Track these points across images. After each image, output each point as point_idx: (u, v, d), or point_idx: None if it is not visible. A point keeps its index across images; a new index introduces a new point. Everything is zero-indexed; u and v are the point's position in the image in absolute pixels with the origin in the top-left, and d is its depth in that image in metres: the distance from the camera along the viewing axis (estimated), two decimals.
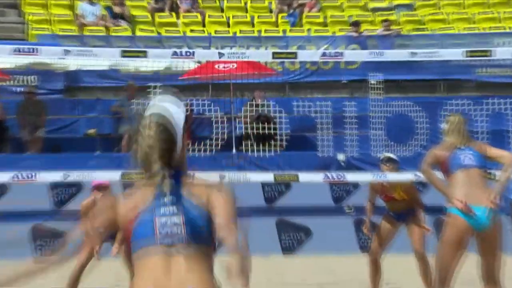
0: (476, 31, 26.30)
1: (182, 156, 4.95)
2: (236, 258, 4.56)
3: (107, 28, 26.06)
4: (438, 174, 9.44)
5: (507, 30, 26.41)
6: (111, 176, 14.75)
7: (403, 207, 13.38)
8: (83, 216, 13.17)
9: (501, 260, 9.15)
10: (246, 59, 20.36)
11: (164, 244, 4.80)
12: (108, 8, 26.62)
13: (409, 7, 27.91)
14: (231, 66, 22.18)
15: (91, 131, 22.59)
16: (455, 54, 18.81)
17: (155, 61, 19.58)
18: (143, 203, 4.89)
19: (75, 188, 19.12)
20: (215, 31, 25.90)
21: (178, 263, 4.78)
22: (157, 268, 4.78)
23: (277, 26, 26.45)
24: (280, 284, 16.54)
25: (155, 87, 18.55)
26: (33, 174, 15.29)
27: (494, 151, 9.44)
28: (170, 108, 5.03)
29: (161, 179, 4.86)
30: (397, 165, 14.80)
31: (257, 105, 22.69)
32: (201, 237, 4.82)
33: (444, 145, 9.48)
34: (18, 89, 22.92)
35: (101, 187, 13.96)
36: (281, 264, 19.07)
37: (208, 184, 4.96)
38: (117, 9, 26.31)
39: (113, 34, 25.73)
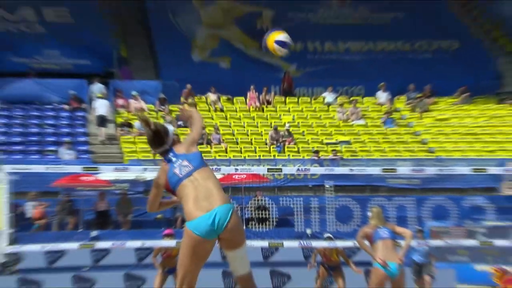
0: (385, 157, 25.75)
1: (174, 143, 5.39)
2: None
3: None
4: (367, 243, 8.96)
5: (406, 157, 25.74)
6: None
7: (334, 264, 13.54)
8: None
9: None
10: (251, 172, 20.17)
11: (184, 177, 5.10)
12: None
13: (348, 142, 27.41)
14: (242, 177, 21.64)
15: (159, 216, 22.16)
16: (375, 170, 18.18)
17: None
18: (165, 169, 5.28)
19: (149, 250, 18.34)
20: (233, 156, 25.50)
21: (197, 179, 5.03)
22: (190, 187, 5.02)
23: (269, 152, 26.00)
24: None
25: None
26: (124, 242, 15.10)
27: (399, 229, 9.08)
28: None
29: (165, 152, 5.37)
30: (333, 239, 14.88)
31: (258, 200, 22.14)
32: (197, 164, 5.15)
33: (369, 226, 9.04)
34: (117, 191, 22.49)
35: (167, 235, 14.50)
36: None
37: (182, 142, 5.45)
38: None
39: None
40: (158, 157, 6.15)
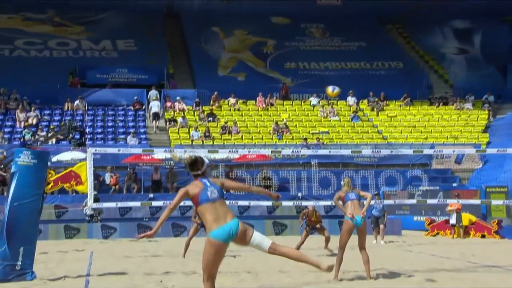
0: (353, 143, 25.15)
1: (205, 172, 5.13)
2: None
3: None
4: (340, 203, 8.49)
5: (368, 142, 24.91)
6: None
7: (314, 223, 12.60)
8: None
9: (366, 238, 8.31)
10: (259, 153, 20.16)
11: (211, 200, 4.90)
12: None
13: (327, 132, 26.75)
14: (253, 156, 21.50)
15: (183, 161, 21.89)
16: (346, 152, 17.57)
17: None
18: (199, 187, 5.00)
19: (189, 207, 18.21)
20: (246, 142, 24.98)
21: (217, 204, 4.86)
22: (212, 208, 4.84)
23: (272, 139, 25.45)
24: None
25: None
26: (171, 202, 14.73)
27: (363, 193, 8.47)
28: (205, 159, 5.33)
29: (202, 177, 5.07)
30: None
31: (264, 173, 21.74)
32: (221, 195, 4.95)
33: (342, 191, 8.45)
34: (166, 167, 21.96)
35: None
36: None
37: (217, 178, 5.15)
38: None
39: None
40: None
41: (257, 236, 4.89)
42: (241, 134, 25.89)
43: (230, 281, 7.91)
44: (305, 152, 18.36)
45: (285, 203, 16.26)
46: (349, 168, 22.21)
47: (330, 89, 12.35)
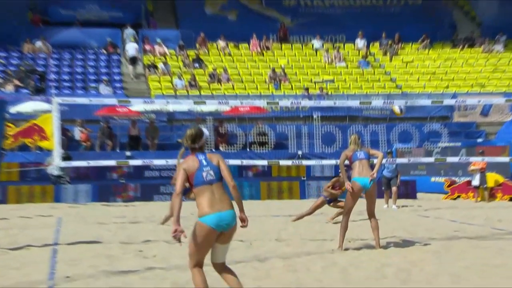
0: (362, 93, 25.00)
1: (202, 146, 5.11)
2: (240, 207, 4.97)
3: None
4: (345, 167, 8.57)
5: (379, 92, 24.83)
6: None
7: (337, 196, 12.14)
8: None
9: (375, 202, 8.42)
10: (253, 105, 20.30)
11: (207, 183, 4.93)
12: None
13: (332, 81, 26.71)
14: (246, 109, 21.43)
15: (180, 140, 21.80)
16: (354, 103, 17.69)
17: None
18: (195, 165, 5.02)
19: (172, 167, 18.34)
20: (239, 92, 24.89)
21: (214, 187, 4.92)
22: (208, 191, 4.90)
23: (268, 89, 25.44)
24: None
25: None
26: (152, 161, 14.81)
27: (373, 151, 8.61)
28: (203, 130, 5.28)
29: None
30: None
31: (259, 128, 21.70)
32: (219, 177, 4.96)
33: (349, 149, 8.44)
34: (146, 120, 21.95)
35: None
36: None
37: (215, 155, 5.13)
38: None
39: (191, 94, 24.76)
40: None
41: (228, 247, 5.02)
42: (232, 83, 25.82)
43: None
44: (306, 103, 18.36)
45: (282, 162, 16.26)
46: (357, 122, 22.36)
47: (397, 109, 13.28)
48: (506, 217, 12.25)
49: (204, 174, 4.94)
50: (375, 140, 20.28)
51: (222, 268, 4.98)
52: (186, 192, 5.46)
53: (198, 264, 4.92)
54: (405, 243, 8.63)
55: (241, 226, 4.94)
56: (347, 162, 8.51)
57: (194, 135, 5.08)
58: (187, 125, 23.08)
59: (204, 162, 5.00)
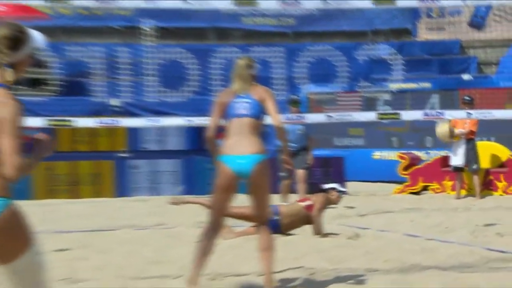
0: None
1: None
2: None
3: None
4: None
5: None
6: None
7: None
8: None
9: (268, 200, 8.40)
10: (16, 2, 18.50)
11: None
12: None
13: None
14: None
15: None
16: (224, 3, 16.11)
17: None
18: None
19: None
20: None
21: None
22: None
23: None
24: None
25: None
26: None
27: (271, 107, 8.23)
28: None
29: None
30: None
31: None
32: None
33: (227, 91, 8.47)
34: None
35: None
36: None
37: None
38: None
39: None
40: None
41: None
42: None
43: None
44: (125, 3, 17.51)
45: (78, 121, 14.72)
46: (231, 40, 23.62)
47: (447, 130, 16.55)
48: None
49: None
50: (264, 77, 19.13)
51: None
52: None
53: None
54: (321, 284, 8.66)
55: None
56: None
57: None
58: None
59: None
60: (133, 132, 19.07)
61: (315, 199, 12.61)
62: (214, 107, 8.54)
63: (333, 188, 12.86)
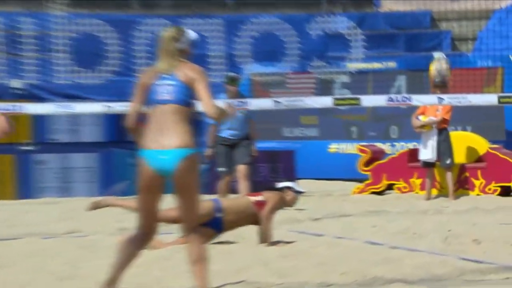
0: None
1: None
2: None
3: None
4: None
5: None
6: None
7: None
8: None
9: (197, 202, 8.36)
10: None
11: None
12: None
13: None
14: None
15: None
16: None
17: None
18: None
19: None
20: None
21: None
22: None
23: None
24: None
25: None
26: None
27: (201, 90, 7.97)
28: None
29: None
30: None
31: None
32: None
33: (150, 70, 8.29)
34: None
35: None
36: None
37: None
38: None
39: None
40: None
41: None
42: None
43: None
44: None
45: None
46: (158, 10, 23.60)
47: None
48: (491, 233, 12.48)
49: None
50: (199, 55, 17.58)
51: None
52: None
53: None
54: None
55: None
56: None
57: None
58: None
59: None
60: (39, 120, 18.62)
61: (268, 196, 12.35)
62: (135, 90, 8.36)
63: (289, 187, 12.67)
